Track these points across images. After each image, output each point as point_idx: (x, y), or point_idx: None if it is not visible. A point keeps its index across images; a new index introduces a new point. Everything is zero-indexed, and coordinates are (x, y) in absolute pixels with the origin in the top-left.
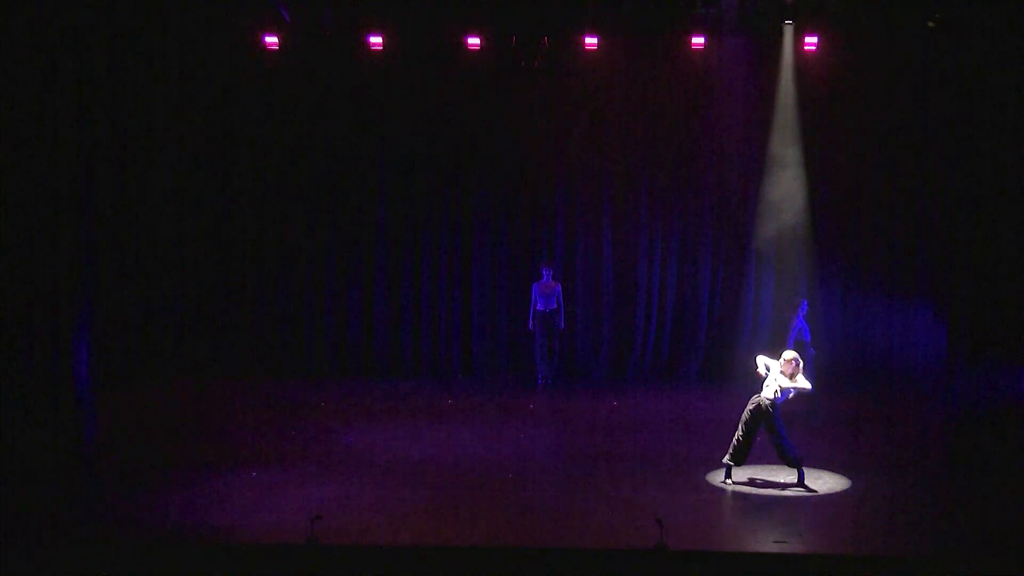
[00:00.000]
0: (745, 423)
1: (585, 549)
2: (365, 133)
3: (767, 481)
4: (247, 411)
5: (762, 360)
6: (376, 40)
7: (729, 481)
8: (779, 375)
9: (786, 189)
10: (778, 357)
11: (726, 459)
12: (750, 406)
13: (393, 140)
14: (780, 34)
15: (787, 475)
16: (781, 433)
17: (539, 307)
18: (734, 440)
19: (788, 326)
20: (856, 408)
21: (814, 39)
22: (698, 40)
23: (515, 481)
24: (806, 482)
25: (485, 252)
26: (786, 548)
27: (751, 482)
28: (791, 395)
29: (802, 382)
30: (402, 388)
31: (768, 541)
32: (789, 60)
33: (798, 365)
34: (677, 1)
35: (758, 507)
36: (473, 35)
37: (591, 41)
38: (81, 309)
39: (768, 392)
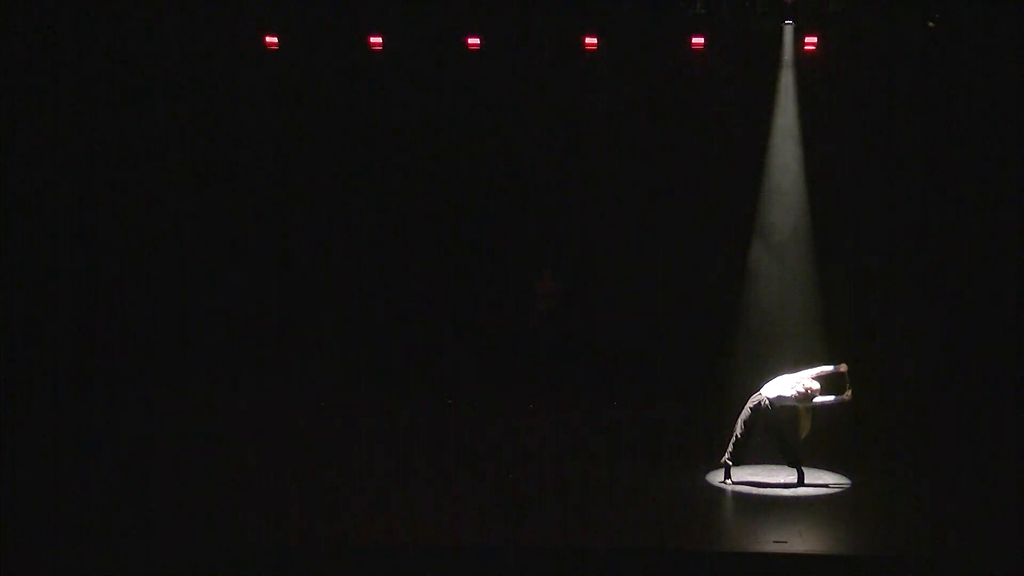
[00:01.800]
0: (744, 422)
1: (585, 549)
2: (364, 133)
3: (767, 481)
4: (246, 411)
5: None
6: (376, 40)
7: (729, 481)
8: (793, 389)
9: (786, 189)
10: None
11: (725, 458)
12: (750, 404)
13: (392, 140)
14: (780, 34)
15: (787, 475)
16: (781, 433)
17: (540, 307)
18: (733, 439)
19: None
20: (856, 408)
21: (814, 39)
22: (698, 40)
23: (515, 481)
24: (806, 482)
25: (485, 251)
26: (786, 548)
27: (751, 482)
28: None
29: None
30: (400, 387)
31: (768, 541)
32: (789, 60)
33: (813, 393)
34: (677, 1)
35: (758, 507)
36: (473, 35)
37: (591, 41)
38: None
39: (769, 391)
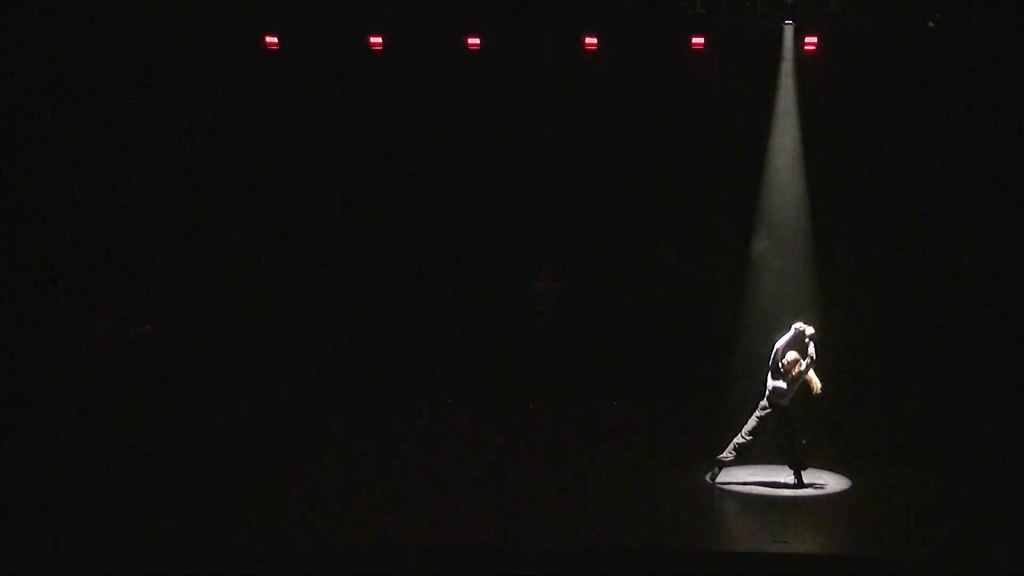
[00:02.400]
0: (753, 429)
1: (585, 549)
2: (364, 132)
3: (767, 481)
4: (245, 411)
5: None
6: (376, 40)
7: (728, 481)
8: (783, 378)
9: (786, 189)
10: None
11: (731, 461)
12: (758, 413)
13: (392, 139)
14: (780, 34)
15: (787, 475)
16: (785, 432)
17: (539, 306)
18: (741, 442)
19: None
20: (856, 408)
21: (814, 39)
22: (698, 40)
23: (515, 481)
24: (806, 482)
25: (485, 251)
26: (786, 548)
27: (751, 482)
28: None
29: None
30: (400, 387)
31: (768, 541)
32: (789, 59)
33: (796, 364)
34: (677, 1)
35: (758, 507)
36: (473, 35)
37: (591, 41)
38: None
39: (771, 395)
